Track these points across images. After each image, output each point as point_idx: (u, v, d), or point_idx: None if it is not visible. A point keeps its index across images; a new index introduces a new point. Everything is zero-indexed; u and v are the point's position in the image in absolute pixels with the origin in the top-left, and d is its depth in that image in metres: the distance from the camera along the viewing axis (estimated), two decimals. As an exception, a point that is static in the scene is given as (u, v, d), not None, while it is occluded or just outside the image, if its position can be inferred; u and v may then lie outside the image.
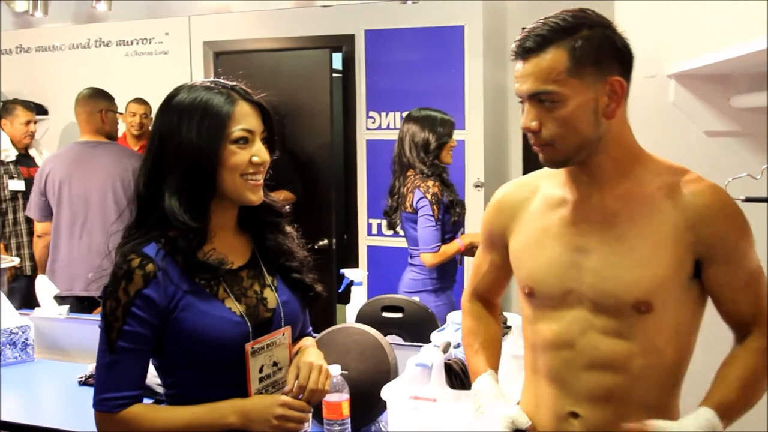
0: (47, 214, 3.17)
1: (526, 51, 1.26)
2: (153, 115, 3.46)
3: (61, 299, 3.05)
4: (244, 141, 1.39)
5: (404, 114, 2.95)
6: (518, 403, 1.48)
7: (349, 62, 3.20)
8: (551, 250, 1.36)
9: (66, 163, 3.16)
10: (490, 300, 1.61)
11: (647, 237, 1.28)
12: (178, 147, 1.36)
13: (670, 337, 1.31)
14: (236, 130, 1.38)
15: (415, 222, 2.72)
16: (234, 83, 1.43)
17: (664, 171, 1.33)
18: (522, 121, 1.30)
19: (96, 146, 3.20)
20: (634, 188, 1.31)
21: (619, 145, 1.31)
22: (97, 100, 3.20)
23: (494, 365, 1.52)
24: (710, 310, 1.36)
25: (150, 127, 3.47)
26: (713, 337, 1.36)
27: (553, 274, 1.35)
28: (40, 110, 3.55)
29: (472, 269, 1.62)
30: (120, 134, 3.38)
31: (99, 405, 1.36)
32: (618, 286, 1.29)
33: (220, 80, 1.44)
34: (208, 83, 1.42)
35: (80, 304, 3.11)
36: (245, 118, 1.39)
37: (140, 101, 3.45)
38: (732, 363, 1.32)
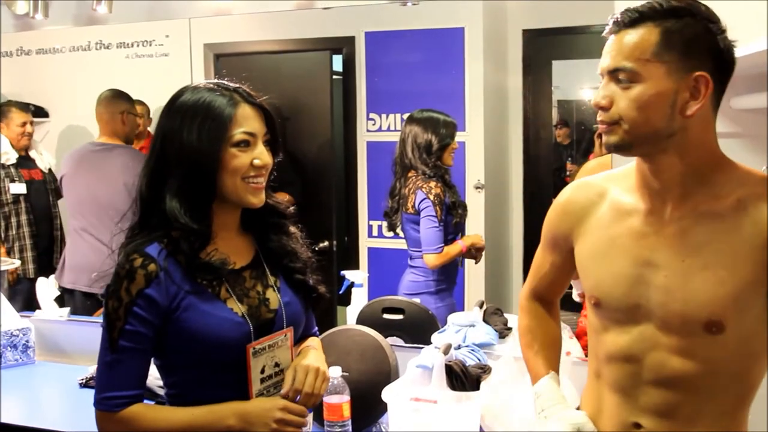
0: None
1: (617, 24, 1.19)
2: (151, 115, 3.48)
3: (69, 293, 3.10)
4: (246, 144, 1.39)
5: (405, 116, 2.95)
6: (579, 407, 1.43)
7: (349, 64, 3.20)
8: (618, 262, 1.30)
9: (77, 163, 3.18)
10: (549, 299, 1.56)
11: (722, 254, 1.19)
12: (179, 149, 1.37)
13: (743, 357, 1.24)
14: (237, 133, 1.38)
15: (417, 223, 2.72)
16: (237, 85, 1.43)
17: (747, 181, 1.23)
18: (593, 97, 1.23)
19: (112, 149, 3.20)
20: (710, 200, 1.22)
21: (696, 149, 1.21)
22: (119, 102, 3.23)
23: (555, 367, 1.47)
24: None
25: (148, 127, 3.49)
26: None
27: (620, 289, 1.29)
28: (41, 113, 3.55)
29: (531, 268, 1.56)
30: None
31: (99, 404, 1.36)
32: (688, 306, 1.22)
33: (223, 82, 1.44)
34: (212, 85, 1.42)
35: (86, 302, 3.12)
36: (247, 121, 1.39)
37: (138, 102, 3.46)
38: None
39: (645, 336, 1.27)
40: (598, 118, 1.24)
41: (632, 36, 1.18)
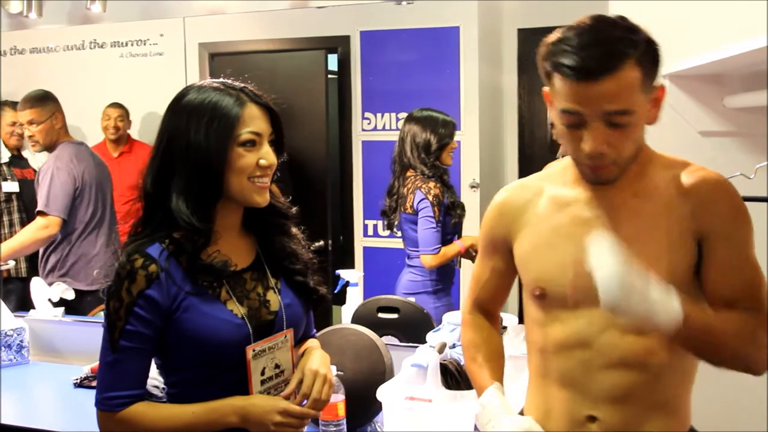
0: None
1: (601, 71, 1.17)
2: (129, 118, 3.45)
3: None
4: (252, 144, 1.38)
5: (400, 115, 2.95)
6: (521, 411, 1.44)
7: (344, 63, 3.20)
8: (563, 249, 1.32)
9: (92, 163, 3.14)
10: (491, 310, 1.56)
11: (661, 232, 1.26)
12: (185, 148, 1.36)
13: None
14: (244, 133, 1.37)
15: (415, 223, 2.71)
16: (243, 85, 1.43)
17: (670, 165, 1.32)
18: (589, 145, 1.21)
19: (87, 146, 3.20)
20: (646, 184, 1.29)
21: (640, 149, 1.30)
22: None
23: (499, 377, 1.47)
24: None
25: (128, 130, 3.47)
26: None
27: (567, 275, 1.31)
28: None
29: (471, 279, 1.56)
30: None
31: (100, 404, 1.36)
32: None
33: (228, 81, 1.43)
34: (217, 84, 1.42)
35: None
36: (253, 121, 1.39)
37: (114, 105, 3.44)
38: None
39: (595, 319, 1.29)
40: (591, 162, 1.24)
41: (621, 78, 1.17)
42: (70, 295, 2.97)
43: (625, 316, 1.17)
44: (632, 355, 1.28)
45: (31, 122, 3.04)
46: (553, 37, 1.24)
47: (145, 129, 3.48)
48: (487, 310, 1.56)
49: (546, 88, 1.28)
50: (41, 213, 2.98)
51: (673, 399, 1.32)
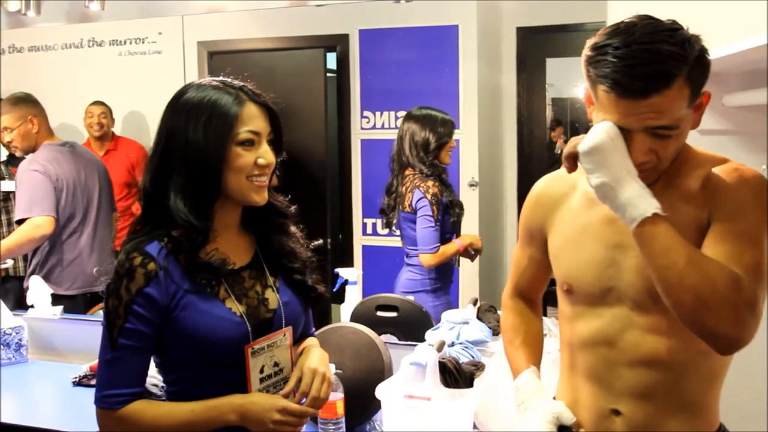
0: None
1: (648, 91, 1.14)
2: (112, 115, 3.44)
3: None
4: (250, 143, 1.38)
5: (399, 113, 2.95)
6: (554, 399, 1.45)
7: (343, 62, 3.20)
8: (590, 248, 1.33)
9: (75, 164, 3.07)
10: (531, 297, 1.58)
11: (684, 230, 1.20)
12: (184, 147, 1.36)
13: None
14: (242, 132, 1.37)
15: (414, 222, 2.71)
16: (242, 84, 1.43)
17: (705, 162, 1.28)
18: (632, 156, 1.19)
19: (74, 145, 3.14)
20: (679, 183, 1.26)
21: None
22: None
23: (536, 362, 1.48)
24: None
25: (111, 128, 3.45)
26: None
27: (592, 273, 1.32)
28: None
29: (511, 265, 1.59)
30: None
31: (100, 401, 1.36)
32: None
33: (228, 80, 1.44)
34: (217, 82, 1.42)
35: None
36: (252, 120, 1.39)
37: (97, 102, 3.42)
38: None
39: (618, 318, 1.31)
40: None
41: (669, 95, 1.14)
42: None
43: (598, 181, 1.18)
44: (654, 354, 1.28)
45: (6, 128, 2.99)
46: (597, 39, 1.19)
47: (139, 128, 3.48)
48: (527, 296, 1.58)
49: (587, 86, 1.24)
50: (25, 220, 2.89)
51: (697, 399, 1.31)
